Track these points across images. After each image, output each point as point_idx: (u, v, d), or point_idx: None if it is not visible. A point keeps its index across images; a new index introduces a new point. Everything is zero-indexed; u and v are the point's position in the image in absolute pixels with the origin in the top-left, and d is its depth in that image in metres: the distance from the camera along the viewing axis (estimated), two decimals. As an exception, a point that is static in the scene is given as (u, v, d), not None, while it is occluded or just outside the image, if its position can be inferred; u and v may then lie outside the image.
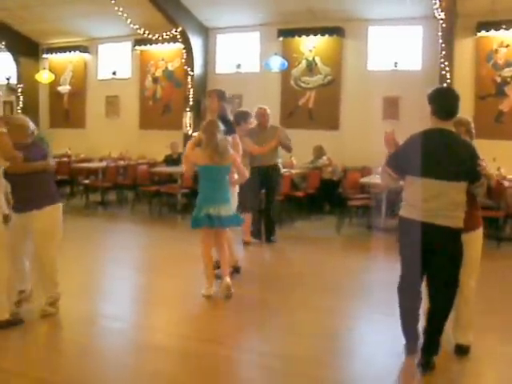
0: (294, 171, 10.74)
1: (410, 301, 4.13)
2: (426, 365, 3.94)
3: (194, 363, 4.23)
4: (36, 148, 5.05)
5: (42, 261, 5.02)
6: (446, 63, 10.52)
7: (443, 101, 4.02)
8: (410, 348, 4.19)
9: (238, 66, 13.00)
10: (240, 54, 13.12)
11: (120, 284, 6.51)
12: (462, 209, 3.93)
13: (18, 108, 15.52)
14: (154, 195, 11.17)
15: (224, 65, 13.35)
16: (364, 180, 10.05)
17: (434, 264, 3.95)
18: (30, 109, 15.50)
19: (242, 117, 7.54)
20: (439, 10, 10.20)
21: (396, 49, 11.70)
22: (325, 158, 11.13)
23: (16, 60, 15.27)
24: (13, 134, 4.75)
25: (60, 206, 5.15)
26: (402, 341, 4.25)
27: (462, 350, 4.24)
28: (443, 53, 10.50)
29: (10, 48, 15.02)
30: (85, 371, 4.01)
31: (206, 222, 5.65)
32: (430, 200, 3.90)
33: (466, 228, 3.99)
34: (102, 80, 14.88)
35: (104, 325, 5.04)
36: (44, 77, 14.56)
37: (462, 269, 4.00)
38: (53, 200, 5.06)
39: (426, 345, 4.00)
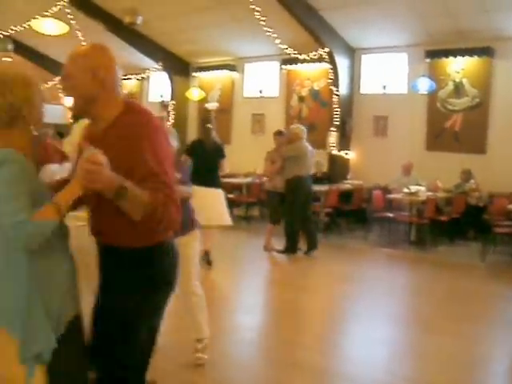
0: (438, 195, 11.08)
1: None
2: None
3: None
4: (184, 168, 5.01)
5: (189, 298, 4.85)
6: None
7: None
8: None
9: (384, 87, 13.50)
10: (386, 75, 13.61)
11: (258, 296, 7.30)
12: None
13: (169, 123, 16.97)
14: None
15: (370, 85, 13.90)
16: (512, 207, 10.16)
17: None
18: (180, 124, 16.90)
19: None
20: None
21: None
22: (472, 181, 11.34)
23: (170, 79, 16.78)
24: None
25: (197, 233, 4.89)
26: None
27: None
28: None
29: (165, 68, 16.56)
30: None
31: None
32: None
33: None
34: (249, 98, 15.92)
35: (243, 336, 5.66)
36: (194, 94, 15.87)
37: None
38: (191, 226, 4.77)
39: None
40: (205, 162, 7.78)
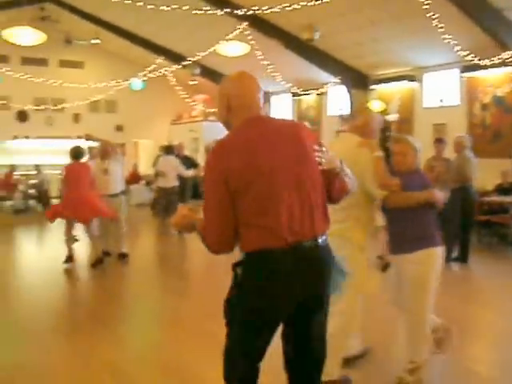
0: None
1: None
2: None
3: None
4: (418, 176, 4.59)
5: (410, 317, 4.55)
6: None
7: None
8: None
9: None
10: None
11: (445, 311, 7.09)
12: None
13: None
14: (483, 225, 11.48)
15: None
16: None
17: None
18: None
19: None
20: None
21: None
22: None
23: (348, 92, 16.94)
24: (399, 159, 4.58)
25: (437, 251, 4.49)
26: None
27: None
28: None
29: (343, 81, 16.77)
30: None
31: None
32: None
33: None
34: (429, 108, 15.63)
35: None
36: (375, 106, 15.90)
37: None
38: (428, 243, 4.43)
39: None
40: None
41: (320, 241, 2.93)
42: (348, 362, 4.78)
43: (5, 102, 20.98)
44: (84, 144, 10.56)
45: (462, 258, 9.62)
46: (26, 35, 13.02)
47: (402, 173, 4.45)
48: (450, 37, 12.66)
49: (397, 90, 16.45)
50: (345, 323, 4.47)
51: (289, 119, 3.27)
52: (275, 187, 2.82)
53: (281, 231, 2.80)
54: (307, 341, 3.05)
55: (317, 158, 2.95)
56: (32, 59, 21.03)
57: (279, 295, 2.84)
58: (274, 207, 2.81)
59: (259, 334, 2.94)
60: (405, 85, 16.20)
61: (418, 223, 4.42)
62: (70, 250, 9.69)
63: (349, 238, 4.43)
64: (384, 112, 16.18)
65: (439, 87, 15.47)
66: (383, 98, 16.48)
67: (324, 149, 3.01)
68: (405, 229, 4.42)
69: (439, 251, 4.47)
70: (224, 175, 2.80)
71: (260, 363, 3.04)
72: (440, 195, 4.47)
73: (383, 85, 16.80)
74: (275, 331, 2.99)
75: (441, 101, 15.27)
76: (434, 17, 11.92)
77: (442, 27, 12.29)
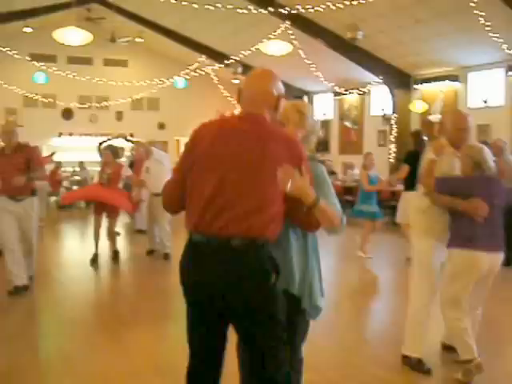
0: None
1: None
2: None
3: None
4: (473, 180, 4.61)
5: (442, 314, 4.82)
6: None
7: None
8: None
9: None
10: None
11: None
12: None
13: (391, 136, 17.03)
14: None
15: None
16: None
17: None
18: (402, 137, 16.86)
19: None
20: None
21: None
22: None
23: (391, 92, 16.84)
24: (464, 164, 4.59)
25: (469, 254, 4.54)
26: None
27: None
28: None
29: (386, 81, 16.65)
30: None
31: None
32: None
33: None
34: (473, 108, 15.41)
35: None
36: (417, 107, 15.79)
37: None
38: (461, 244, 4.56)
39: None
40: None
41: (234, 244, 2.78)
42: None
43: (51, 99, 21.43)
44: (121, 142, 10.77)
45: (506, 261, 9.42)
46: (73, 35, 13.24)
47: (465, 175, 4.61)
48: (496, 35, 12.45)
49: (440, 89, 16.28)
50: (414, 304, 4.87)
51: (281, 132, 2.99)
52: (204, 176, 2.87)
53: (194, 218, 2.89)
54: (247, 346, 3.11)
55: (278, 179, 2.73)
56: (78, 58, 21.40)
57: (188, 276, 3.12)
58: (196, 194, 2.90)
59: (189, 314, 3.15)
60: (448, 85, 16.02)
61: (457, 222, 4.60)
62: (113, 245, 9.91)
63: (411, 225, 5.08)
64: (426, 113, 16.06)
65: (483, 87, 15.24)
66: (426, 98, 16.34)
67: (297, 174, 2.74)
68: (450, 225, 4.67)
69: (471, 255, 4.52)
70: (186, 152, 3.04)
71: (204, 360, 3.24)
72: (475, 207, 4.45)
73: (426, 84, 16.63)
74: (204, 319, 3.08)
75: (485, 101, 15.04)
76: (480, 14, 11.71)
77: (488, 25, 12.09)
